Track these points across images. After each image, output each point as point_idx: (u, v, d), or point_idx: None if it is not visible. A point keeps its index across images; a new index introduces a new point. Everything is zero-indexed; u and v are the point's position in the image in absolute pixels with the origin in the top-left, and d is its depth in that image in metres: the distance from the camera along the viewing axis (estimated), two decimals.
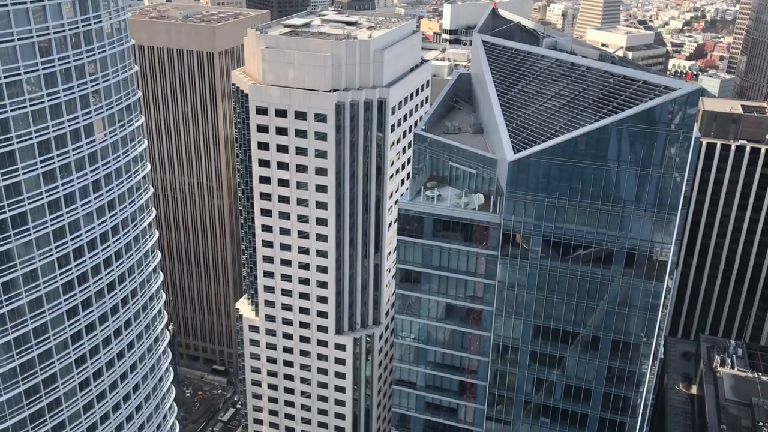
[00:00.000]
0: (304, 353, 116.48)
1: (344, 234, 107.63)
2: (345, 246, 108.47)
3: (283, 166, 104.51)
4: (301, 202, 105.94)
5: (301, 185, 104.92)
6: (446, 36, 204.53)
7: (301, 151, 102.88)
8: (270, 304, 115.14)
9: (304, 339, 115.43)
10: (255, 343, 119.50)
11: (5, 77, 61.19)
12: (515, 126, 65.11)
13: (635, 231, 62.41)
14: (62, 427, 74.17)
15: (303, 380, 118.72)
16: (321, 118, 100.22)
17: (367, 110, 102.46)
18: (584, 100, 64.66)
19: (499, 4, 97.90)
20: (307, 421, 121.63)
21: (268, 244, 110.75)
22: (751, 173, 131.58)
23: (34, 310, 68.46)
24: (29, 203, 65.55)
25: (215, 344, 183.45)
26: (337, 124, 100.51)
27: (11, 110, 62.15)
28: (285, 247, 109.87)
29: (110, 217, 75.07)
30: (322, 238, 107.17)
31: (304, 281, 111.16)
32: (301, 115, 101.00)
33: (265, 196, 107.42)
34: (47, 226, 67.72)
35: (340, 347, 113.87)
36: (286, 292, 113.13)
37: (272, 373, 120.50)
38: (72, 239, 70.65)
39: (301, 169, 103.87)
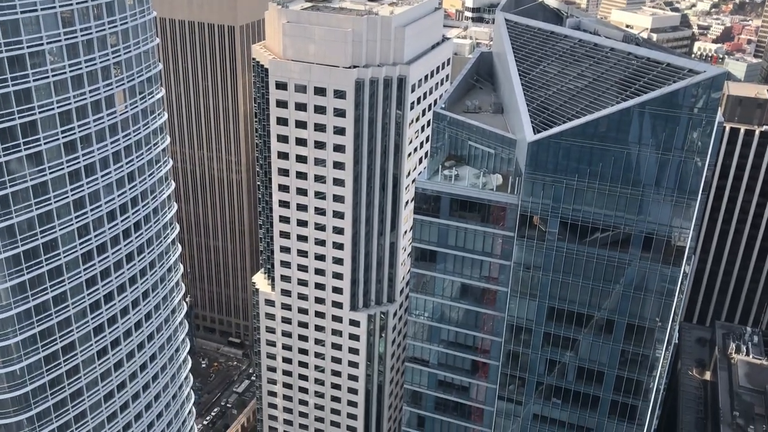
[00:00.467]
0: (319, 328, 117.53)
1: (361, 211, 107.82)
2: (361, 223, 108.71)
3: (301, 142, 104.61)
4: (319, 179, 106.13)
5: (318, 162, 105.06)
6: (469, 14, 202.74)
7: (320, 128, 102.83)
8: (286, 279, 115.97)
9: (319, 314, 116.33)
10: (270, 317, 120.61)
11: (28, 47, 61.60)
12: (536, 106, 64.50)
13: (654, 215, 61.82)
14: (80, 394, 75.75)
15: (317, 355, 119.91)
16: (340, 94, 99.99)
17: (386, 87, 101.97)
18: (606, 81, 63.85)
19: None
20: (321, 395, 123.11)
21: (285, 219, 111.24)
22: None
23: (54, 279, 69.61)
24: (50, 173, 66.34)
25: (231, 317, 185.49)
26: (356, 101, 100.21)
27: (33, 80, 62.67)
28: (302, 223, 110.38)
29: (130, 189, 75.82)
30: (338, 215, 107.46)
31: (320, 257, 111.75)
32: (320, 91, 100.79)
33: (283, 172, 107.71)
34: (68, 196, 68.60)
35: (354, 323, 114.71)
36: (302, 268, 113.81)
37: (287, 347, 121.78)
38: (92, 210, 71.52)
39: (320, 145, 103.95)
